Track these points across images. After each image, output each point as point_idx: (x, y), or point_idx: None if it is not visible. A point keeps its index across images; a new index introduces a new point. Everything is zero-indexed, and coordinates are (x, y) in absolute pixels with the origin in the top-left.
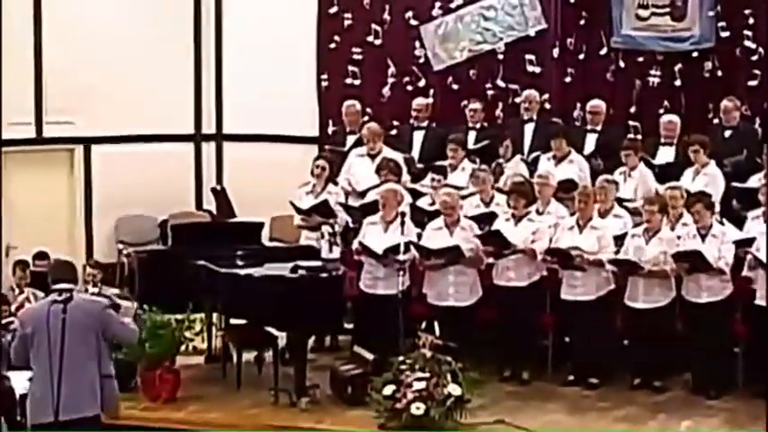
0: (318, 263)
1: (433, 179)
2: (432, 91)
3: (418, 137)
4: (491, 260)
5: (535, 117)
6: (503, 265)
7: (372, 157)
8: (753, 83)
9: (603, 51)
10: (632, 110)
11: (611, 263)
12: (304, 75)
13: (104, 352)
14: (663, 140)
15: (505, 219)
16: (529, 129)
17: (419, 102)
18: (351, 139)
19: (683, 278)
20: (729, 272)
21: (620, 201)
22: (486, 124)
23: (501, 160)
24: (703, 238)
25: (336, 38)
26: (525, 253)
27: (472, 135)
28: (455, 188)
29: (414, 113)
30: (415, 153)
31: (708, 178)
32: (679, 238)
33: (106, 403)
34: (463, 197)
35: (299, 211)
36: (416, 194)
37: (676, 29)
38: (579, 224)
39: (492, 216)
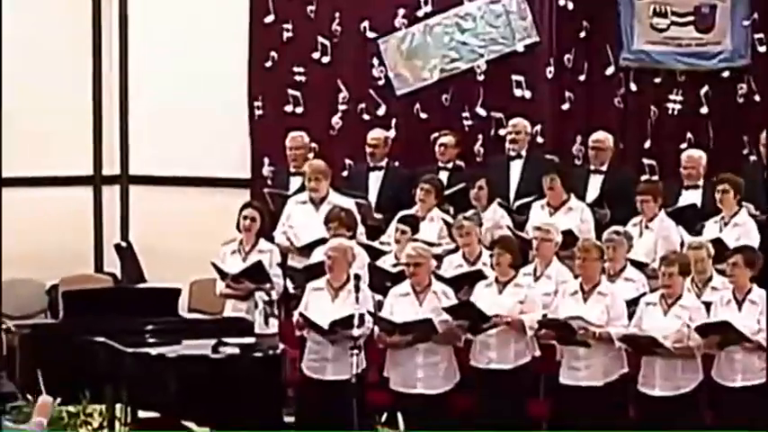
0: (251, 339)
1: (398, 229)
2: (393, 121)
3: (375, 179)
4: (469, 335)
5: (524, 153)
6: (482, 342)
7: (315, 203)
8: None
9: (610, 71)
10: (647, 145)
11: (621, 340)
12: (232, 101)
13: None
14: (684, 183)
15: (486, 284)
16: (516, 168)
17: (376, 134)
18: (295, 182)
19: (716, 356)
20: None
21: (634, 262)
22: (461, 163)
23: (477, 207)
24: (740, 304)
25: (273, 54)
26: (510, 325)
27: (444, 176)
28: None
29: (369, 149)
30: (372, 199)
31: (739, 230)
32: (708, 306)
33: None
34: (438, 256)
35: (223, 275)
36: (373, 252)
37: (702, 42)
38: (583, 289)
39: (478, 276)
